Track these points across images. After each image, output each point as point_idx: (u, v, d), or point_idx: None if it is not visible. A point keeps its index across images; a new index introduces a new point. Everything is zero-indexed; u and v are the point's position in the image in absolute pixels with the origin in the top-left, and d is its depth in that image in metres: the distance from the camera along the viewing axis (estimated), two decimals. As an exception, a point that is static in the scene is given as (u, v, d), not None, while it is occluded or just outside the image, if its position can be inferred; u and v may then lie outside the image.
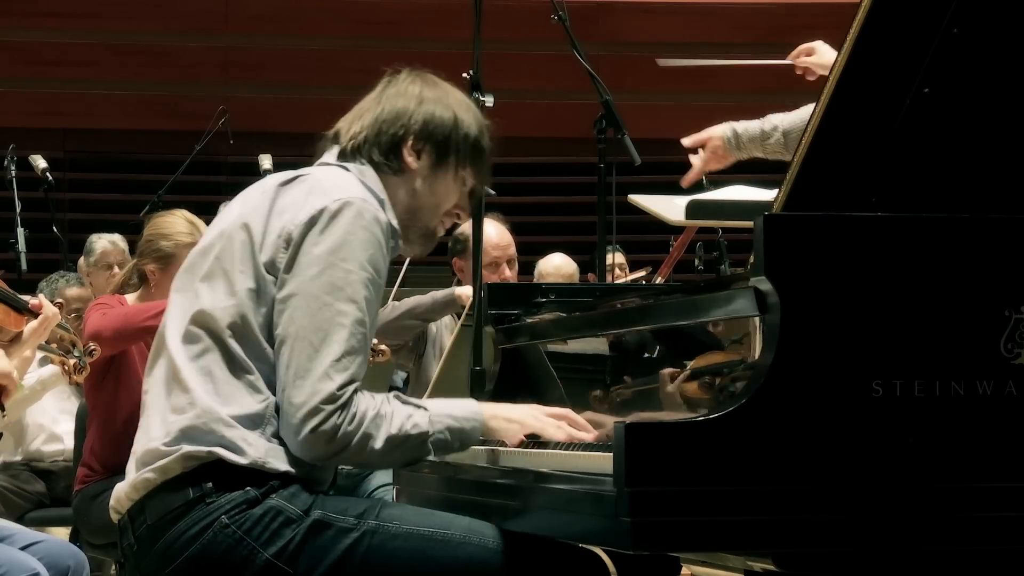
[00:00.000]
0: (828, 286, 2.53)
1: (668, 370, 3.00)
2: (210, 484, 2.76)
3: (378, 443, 2.76)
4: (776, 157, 4.34)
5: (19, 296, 4.30)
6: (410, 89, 3.04)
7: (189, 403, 2.79)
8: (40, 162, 8.33)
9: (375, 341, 5.45)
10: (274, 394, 2.80)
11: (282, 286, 2.80)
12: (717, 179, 4.87)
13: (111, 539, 5.01)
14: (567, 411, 2.99)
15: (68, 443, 6.22)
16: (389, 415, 2.79)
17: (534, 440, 3.04)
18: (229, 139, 8.94)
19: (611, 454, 2.47)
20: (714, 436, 2.44)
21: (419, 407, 2.84)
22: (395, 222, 2.96)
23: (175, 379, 2.83)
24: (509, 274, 5.74)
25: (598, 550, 2.97)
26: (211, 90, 10.91)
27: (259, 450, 2.77)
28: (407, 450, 2.81)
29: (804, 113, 4.25)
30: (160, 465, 2.79)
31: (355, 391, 2.76)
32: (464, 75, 4.49)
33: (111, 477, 5.02)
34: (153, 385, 2.89)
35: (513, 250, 5.80)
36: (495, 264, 5.69)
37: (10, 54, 11.20)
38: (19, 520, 5.60)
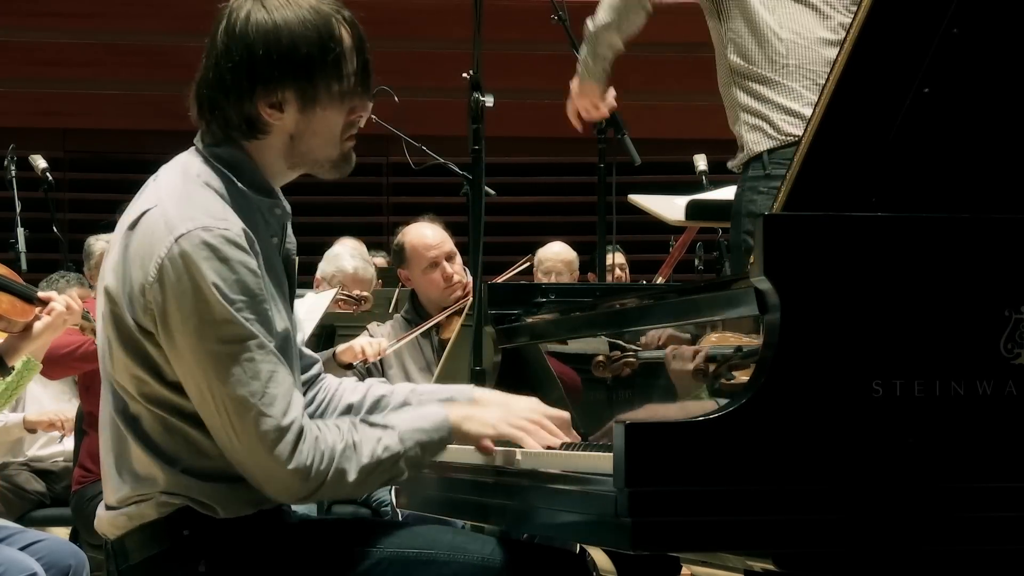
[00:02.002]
0: (828, 286, 2.53)
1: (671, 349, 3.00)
2: (187, 531, 2.66)
3: (351, 475, 2.64)
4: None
5: (28, 286, 4.30)
6: (237, 30, 2.68)
7: (145, 475, 2.67)
8: (40, 162, 8.34)
9: (358, 292, 5.44)
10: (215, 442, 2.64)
11: (172, 355, 2.60)
12: (717, 179, 4.87)
13: (111, 539, 5.02)
14: (540, 416, 2.86)
15: (68, 444, 6.23)
16: (358, 444, 2.66)
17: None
18: (229, 139, 8.93)
19: (611, 454, 2.46)
20: (714, 436, 2.44)
21: (386, 427, 2.71)
22: (271, 185, 2.72)
23: (120, 438, 2.69)
24: (451, 270, 5.70)
25: (598, 550, 2.97)
26: (211, 90, 10.91)
27: (230, 506, 2.66)
28: (380, 474, 2.69)
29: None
30: (136, 511, 2.69)
31: (302, 415, 2.62)
32: (464, 75, 4.50)
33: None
34: (104, 429, 2.75)
35: (450, 245, 5.77)
36: (435, 264, 5.67)
37: (10, 54, 11.21)
38: (19, 520, 5.61)
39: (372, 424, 2.71)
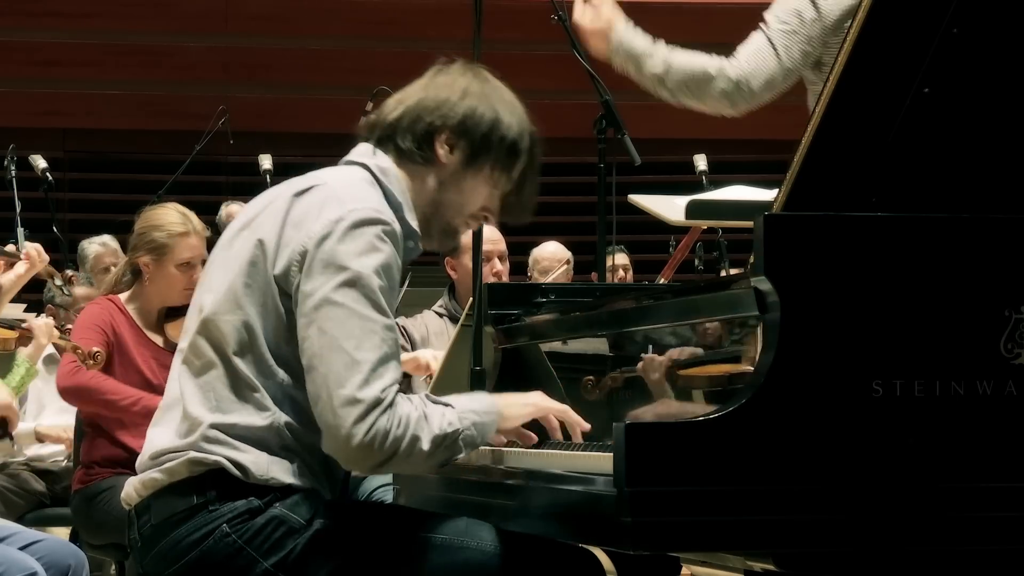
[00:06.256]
0: (828, 286, 2.53)
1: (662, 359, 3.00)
2: (214, 492, 2.76)
3: (425, 444, 2.73)
4: (644, 86, 4.15)
5: None
6: (459, 81, 2.98)
7: (195, 423, 2.79)
8: (40, 162, 8.33)
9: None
10: (281, 410, 2.78)
11: (303, 300, 2.75)
12: (717, 179, 4.86)
13: (110, 539, 5.01)
14: (567, 408, 2.97)
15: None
16: (429, 415, 2.75)
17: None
18: (229, 139, 8.94)
19: (611, 454, 2.47)
20: (714, 436, 2.45)
21: (447, 405, 2.81)
22: (414, 222, 2.93)
23: (182, 399, 2.84)
24: (500, 268, 5.77)
25: (598, 550, 2.97)
26: (211, 90, 10.92)
27: (261, 467, 2.76)
28: (445, 449, 2.77)
29: (697, 62, 4.10)
30: (168, 467, 2.80)
31: (396, 392, 2.73)
32: (464, 75, 4.49)
33: (109, 477, 5.02)
34: (168, 392, 2.89)
35: (503, 245, 5.85)
36: (486, 258, 5.71)
37: (10, 54, 11.21)
38: (19, 520, 5.61)
39: (435, 401, 2.82)
